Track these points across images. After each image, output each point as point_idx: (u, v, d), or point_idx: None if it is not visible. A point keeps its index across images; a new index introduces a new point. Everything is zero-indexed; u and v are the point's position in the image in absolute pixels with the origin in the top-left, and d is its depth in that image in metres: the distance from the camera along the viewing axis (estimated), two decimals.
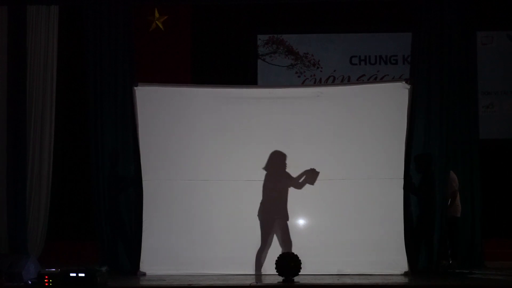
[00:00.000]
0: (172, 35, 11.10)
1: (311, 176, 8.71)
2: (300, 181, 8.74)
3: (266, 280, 8.05)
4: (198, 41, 11.54)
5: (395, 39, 11.71)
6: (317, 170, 8.71)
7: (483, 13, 10.02)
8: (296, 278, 7.85)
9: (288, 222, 8.69)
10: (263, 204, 8.72)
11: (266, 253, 8.62)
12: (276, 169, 8.78)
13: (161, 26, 10.73)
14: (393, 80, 10.88)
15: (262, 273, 8.55)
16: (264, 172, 8.78)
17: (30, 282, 7.74)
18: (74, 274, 7.42)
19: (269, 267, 8.21)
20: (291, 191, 8.78)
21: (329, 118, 8.92)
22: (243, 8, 11.10)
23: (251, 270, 8.61)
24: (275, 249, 8.57)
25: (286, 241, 8.61)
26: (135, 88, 8.94)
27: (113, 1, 9.11)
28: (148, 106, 8.96)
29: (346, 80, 11.65)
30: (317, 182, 8.78)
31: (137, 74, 9.22)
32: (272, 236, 8.68)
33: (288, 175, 8.78)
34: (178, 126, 8.98)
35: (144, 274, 8.68)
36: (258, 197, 8.77)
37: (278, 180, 8.78)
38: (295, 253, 7.94)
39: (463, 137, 9.07)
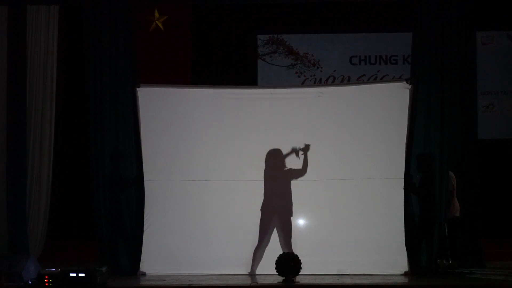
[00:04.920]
0: (172, 35, 11.10)
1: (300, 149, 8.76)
2: (300, 166, 8.75)
3: (266, 280, 8.06)
4: (198, 41, 11.54)
5: (395, 39, 11.72)
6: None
7: (483, 13, 10.02)
8: (296, 278, 7.85)
9: (292, 219, 8.71)
10: (265, 201, 8.75)
11: (263, 251, 8.62)
12: (275, 166, 8.79)
13: (161, 26, 10.72)
14: (394, 80, 10.89)
15: (257, 273, 8.56)
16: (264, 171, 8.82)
17: (30, 282, 7.74)
18: (74, 274, 7.43)
19: (269, 267, 8.22)
20: (294, 188, 8.78)
21: (329, 118, 8.92)
22: (243, 8, 11.10)
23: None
24: (275, 249, 8.59)
25: (287, 242, 8.62)
26: (137, 89, 8.96)
27: (113, 1, 9.10)
28: (150, 107, 8.97)
29: (346, 80, 11.67)
30: (317, 182, 8.80)
31: (137, 74, 9.23)
32: (270, 235, 8.69)
33: (288, 169, 8.80)
34: (179, 126, 8.98)
35: (144, 274, 8.68)
36: (259, 197, 8.78)
37: (279, 176, 8.79)
38: (295, 253, 7.94)
39: (463, 137, 9.07)
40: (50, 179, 9.35)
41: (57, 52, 9.41)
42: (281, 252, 8.14)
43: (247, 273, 8.58)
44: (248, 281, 8.00)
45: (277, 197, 8.79)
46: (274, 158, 8.81)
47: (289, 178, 8.80)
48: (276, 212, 8.74)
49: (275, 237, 8.73)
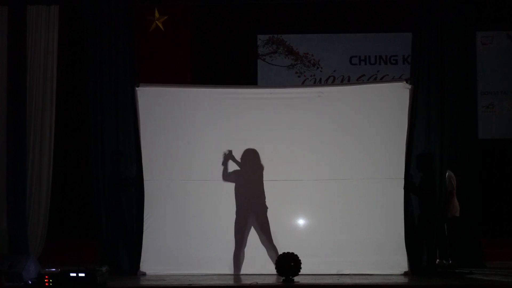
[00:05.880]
0: (172, 35, 11.10)
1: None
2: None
3: (266, 280, 8.06)
4: (198, 41, 11.54)
5: (395, 39, 11.72)
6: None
7: (483, 13, 10.02)
8: (296, 278, 7.85)
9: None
10: (238, 203, 8.73)
11: (243, 253, 8.66)
12: (251, 166, 8.80)
13: (161, 26, 10.72)
14: (394, 80, 10.88)
15: (249, 273, 8.56)
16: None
17: (30, 282, 7.74)
18: (74, 274, 7.44)
19: (269, 267, 8.22)
20: (291, 188, 8.78)
21: (329, 119, 8.92)
22: (243, 8, 11.09)
23: (252, 270, 8.61)
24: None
25: (268, 238, 8.63)
26: (136, 88, 8.95)
27: (113, 1, 9.10)
28: (150, 107, 8.97)
29: (346, 80, 11.66)
30: (317, 182, 8.80)
31: (137, 74, 9.23)
32: (247, 236, 8.70)
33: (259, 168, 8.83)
34: (179, 126, 8.98)
35: (144, 274, 8.68)
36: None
37: (252, 175, 8.81)
38: (295, 253, 7.95)
39: (463, 137, 9.07)
40: (50, 179, 9.35)
41: (57, 52, 9.41)
42: (285, 251, 8.11)
43: (248, 273, 8.57)
44: (248, 281, 8.00)
45: (250, 197, 8.78)
46: (251, 159, 8.80)
47: (261, 177, 8.77)
48: (251, 211, 8.74)
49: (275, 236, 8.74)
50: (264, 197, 8.74)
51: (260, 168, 8.79)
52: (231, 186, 8.83)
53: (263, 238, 8.67)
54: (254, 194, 8.77)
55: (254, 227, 8.72)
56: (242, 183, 8.80)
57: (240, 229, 8.70)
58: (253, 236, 8.73)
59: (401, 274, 8.44)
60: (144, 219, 8.83)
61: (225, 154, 8.76)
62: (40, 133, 9.31)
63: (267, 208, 8.71)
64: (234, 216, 8.77)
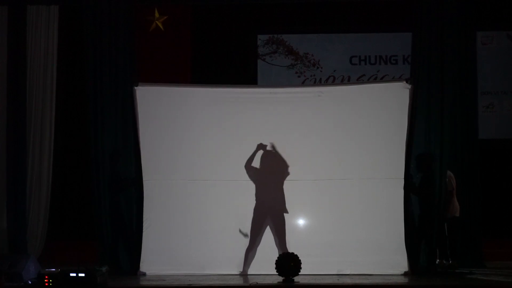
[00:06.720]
0: (172, 35, 11.10)
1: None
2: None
3: (266, 280, 8.06)
4: (198, 41, 11.54)
5: (395, 39, 11.72)
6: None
7: (483, 13, 10.03)
8: (296, 278, 7.86)
9: (286, 217, 8.71)
10: (258, 202, 8.75)
11: (255, 251, 8.67)
12: (269, 166, 8.81)
13: (161, 26, 10.73)
14: (394, 80, 10.89)
15: (257, 273, 8.54)
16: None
17: (30, 282, 7.74)
18: (74, 274, 7.43)
19: (269, 267, 8.22)
20: (291, 188, 8.79)
21: (329, 118, 8.92)
22: (243, 8, 11.10)
23: (252, 270, 8.62)
24: (274, 249, 8.61)
25: (281, 242, 8.64)
26: (135, 88, 8.95)
27: (113, 1, 9.10)
28: (149, 106, 8.97)
29: (346, 80, 11.67)
30: (317, 182, 8.81)
31: (137, 74, 9.22)
32: (262, 235, 8.71)
33: (281, 169, 8.82)
34: (178, 126, 8.98)
35: (144, 274, 8.68)
36: None
37: (272, 176, 8.81)
38: (295, 253, 7.95)
39: (463, 137, 9.08)
40: (50, 179, 9.35)
41: (57, 52, 9.41)
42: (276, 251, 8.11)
43: (239, 273, 8.59)
44: (248, 281, 7.99)
45: (270, 197, 8.79)
46: (269, 159, 8.81)
47: (283, 178, 8.79)
48: (269, 212, 8.75)
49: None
50: (284, 201, 8.74)
51: (286, 173, 8.80)
52: (231, 186, 8.83)
53: (277, 241, 8.68)
54: (274, 196, 8.76)
55: (270, 228, 8.73)
56: (265, 183, 8.80)
57: (255, 228, 8.70)
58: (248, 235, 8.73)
59: (401, 274, 8.44)
60: (144, 219, 8.83)
61: (261, 144, 8.76)
62: (40, 133, 9.31)
63: (286, 211, 8.72)
64: (234, 216, 8.78)
